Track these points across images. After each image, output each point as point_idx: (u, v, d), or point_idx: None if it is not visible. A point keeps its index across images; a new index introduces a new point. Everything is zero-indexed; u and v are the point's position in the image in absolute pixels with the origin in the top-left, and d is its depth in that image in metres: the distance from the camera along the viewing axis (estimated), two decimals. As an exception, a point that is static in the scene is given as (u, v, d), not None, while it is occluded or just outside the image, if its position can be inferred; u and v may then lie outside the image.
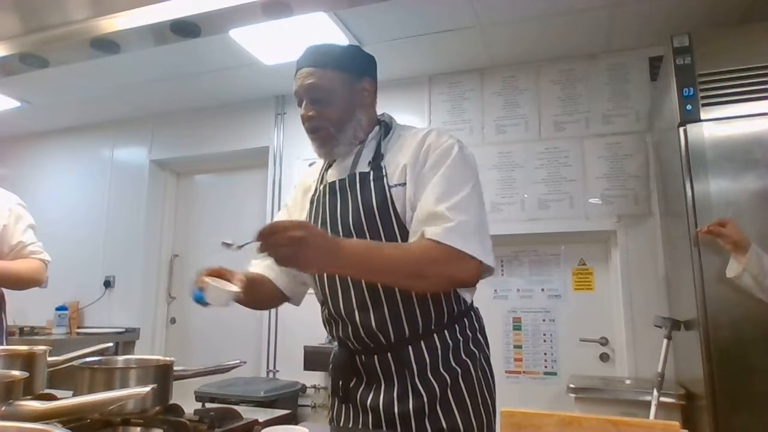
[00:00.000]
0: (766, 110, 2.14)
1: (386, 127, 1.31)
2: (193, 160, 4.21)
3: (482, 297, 3.07)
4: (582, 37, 3.03)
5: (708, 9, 2.67)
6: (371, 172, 1.22)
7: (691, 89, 2.24)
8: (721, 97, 2.20)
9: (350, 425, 1.22)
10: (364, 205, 1.19)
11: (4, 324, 2.14)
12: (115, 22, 1.35)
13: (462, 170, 1.19)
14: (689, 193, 2.17)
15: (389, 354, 1.18)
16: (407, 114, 3.49)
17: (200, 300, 1.07)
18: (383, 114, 1.34)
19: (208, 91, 3.80)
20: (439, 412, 1.13)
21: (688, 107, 2.23)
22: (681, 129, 2.24)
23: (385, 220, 1.16)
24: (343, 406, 1.26)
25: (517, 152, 3.26)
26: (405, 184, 1.18)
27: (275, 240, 0.97)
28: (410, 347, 1.17)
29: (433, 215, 1.11)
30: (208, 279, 1.09)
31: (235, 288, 1.10)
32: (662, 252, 2.88)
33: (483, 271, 1.12)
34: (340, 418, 1.26)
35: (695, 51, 2.26)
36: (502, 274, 3.29)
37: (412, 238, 1.14)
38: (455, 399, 1.15)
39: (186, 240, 4.29)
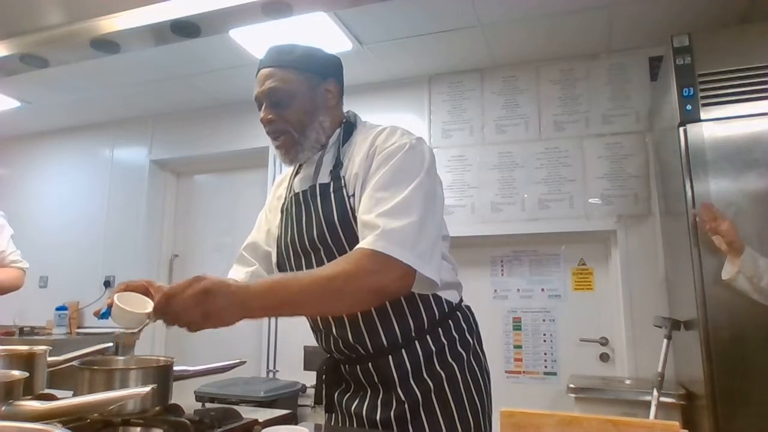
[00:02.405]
0: (766, 110, 2.14)
1: (348, 128, 1.25)
2: (193, 160, 4.21)
3: (482, 297, 3.11)
4: (582, 37, 3.03)
5: (708, 9, 2.67)
6: (331, 183, 1.18)
7: (691, 89, 2.24)
8: (721, 97, 2.20)
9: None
10: (325, 218, 1.15)
11: None
12: (115, 22, 1.34)
13: (402, 172, 1.07)
14: (689, 193, 2.17)
15: (370, 364, 1.17)
16: (407, 114, 3.49)
17: (104, 317, 0.96)
18: (348, 112, 1.29)
19: (208, 91, 3.80)
20: (423, 417, 1.12)
21: (688, 107, 2.23)
22: (681, 129, 2.24)
23: (347, 232, 1.12)
24: (333, 415, 1.25)
25: (517, 152, 3.26)
26: (353, 195, 1.13)
27: (175, 305, 0.88)
28: (390, 357, 1.14)
29: (364, 225, 1.04)
30: (116, 298, 0.97)
31: (146, 310, 0.97)
32: (662, 252, 2.88)
33: (412, 280, 1.00)
34: (328, 425, 1.26)
35: (695, 51, 2.26)
36: (502, 274, 3.29)
37: None
38: (440, 404, 1.13)
39: (186, 240, 4.29)
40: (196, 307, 0.88)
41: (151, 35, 1.40)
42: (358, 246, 1.02)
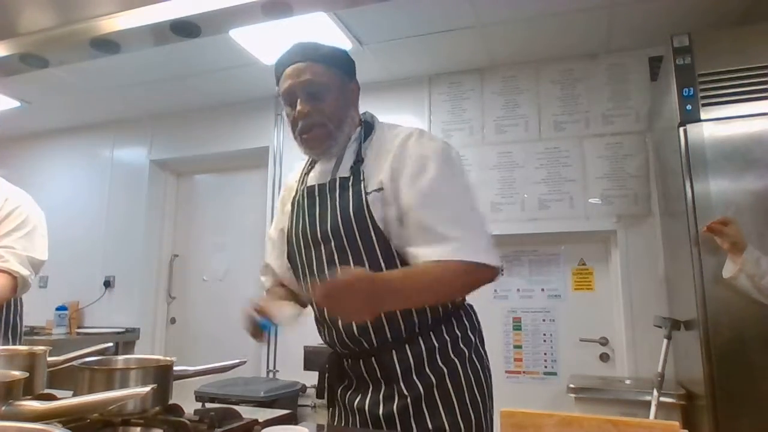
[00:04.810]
0: (765, 110, 2.14)
1: (367, 127, 1.28)
2: (193, 160, 4.21)
3: (482, 297, 3.06)
4: (582, 37, 3.03)
5: (708, 9, 2.67)
6: (350, 177, 1.19)
7: (691, 89, 2.24)
8: (721, 97, 2.20)
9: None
10: (341, 211, 1.17)
11: (18, 329, 2.09)
12: (115, 22, 1.34)
13: (449, 178, 1.17)
14: (689, 193, 2.17)
15: (373, 358, 1.17)
16: (407, 114, 3.49)
17: (267, 327, 1.03)
18: (365, 113, 1.32)
19: (208, 91, 3.80)
20: (425, 412, 1.13)
21: (688, 107, 2.23)
22: (681, 129, 2.24)
23: (361, 226, 1.14)
24: (336, 410, 1.26)
25: (517, 152, 3.26)
26: (382, 189, 1.16)
27: (340, 303, 0.97)
28: (394, 351, 1.16)
29: (435, 235, 1.09)
30: (264, 305, 1.05)
31: (294, 309, 1.08)
32: (662, 252, 2.88)
33: (497, 274, 1.14)
34: (333, 421, 1.26)
35: (695, 51, 2.26)
36: (502, 274, 3.27)
37: (401, 242, 1.14)
38: (442, 399, 1.14)
39: (186, 240, 4.29)
40: (352, 299, 0.95)
41: (151, 35, 1.40)
42: (447, 255, 1.07)
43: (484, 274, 1.12)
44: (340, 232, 1.16)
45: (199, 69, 3.43)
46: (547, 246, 3.25)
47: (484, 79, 3.42)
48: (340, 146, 1.23)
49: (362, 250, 1.14)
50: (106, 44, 1.41)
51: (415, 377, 1.15)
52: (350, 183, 1.19)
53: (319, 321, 1.27)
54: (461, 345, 1.21)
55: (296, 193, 1.31)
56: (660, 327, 2.46)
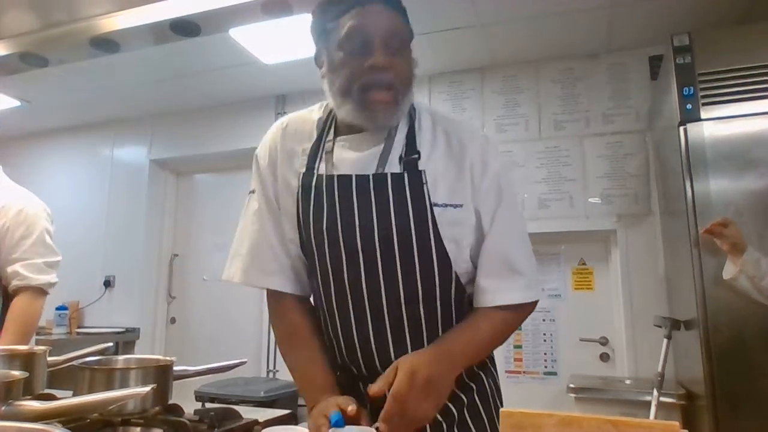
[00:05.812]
0: (766, 110, 2.13)
1: (412, 109, 1.07)
2: (193, 160, 4.21)
3: (482, 297, 3.09)
4: (582, 36, 3.03)
5: (708, 8, 2.66)
6: (406, 175, 0.98)
7: (691, 88, 2.23)
8: (721, 97, 2.20)
9: None
10: (397, 217, 0.97)
11: None
12: (115, 22, 1.34)
13: (517, 203, 1.09)
14: (689, 193, 2.17)
15: None
16: (407, 114, 3.49)
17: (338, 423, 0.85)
18: None
19: (208, 91, 3.80)
20: None
21: (689, 106, 2.23)
22: (681, 128, 2.23)
23: (422, 241, 0.97)
24: None
25: (518, 151, 3.26)
26: (461, 206, 0.99)
27: (409, 409, 0.85)
28: None
29: (509, 270, 1.02)
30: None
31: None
32: (662, 252, 2.88)
33: None
34: None
35: (695, 50, 2.26)
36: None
37: (462, 272, 1.03)
38: (472, 416, 1.06)
39: (186, 240, 4.29)
40: (427, 399, 0.87)
41: (150, 34, 1.40)
42: (512, 300, 1.01)
43: (532, 308, 1.07)
44: (392, 242, 0.97)
45: (199, 69, 3.43)
46: (547, 246, 3.25)
47: (485, 78, 3.42)
48: (397, 120, 1.01)
49: (417, 267, 0.98)
50: (106, 43, 1.41)
51: (447, 401, 1.01)
52: (406, 183, 0.97)
53: (338, 338, 1.07)
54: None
55: (311, 172, 1.05)
56: (660, 327, 2.46)
